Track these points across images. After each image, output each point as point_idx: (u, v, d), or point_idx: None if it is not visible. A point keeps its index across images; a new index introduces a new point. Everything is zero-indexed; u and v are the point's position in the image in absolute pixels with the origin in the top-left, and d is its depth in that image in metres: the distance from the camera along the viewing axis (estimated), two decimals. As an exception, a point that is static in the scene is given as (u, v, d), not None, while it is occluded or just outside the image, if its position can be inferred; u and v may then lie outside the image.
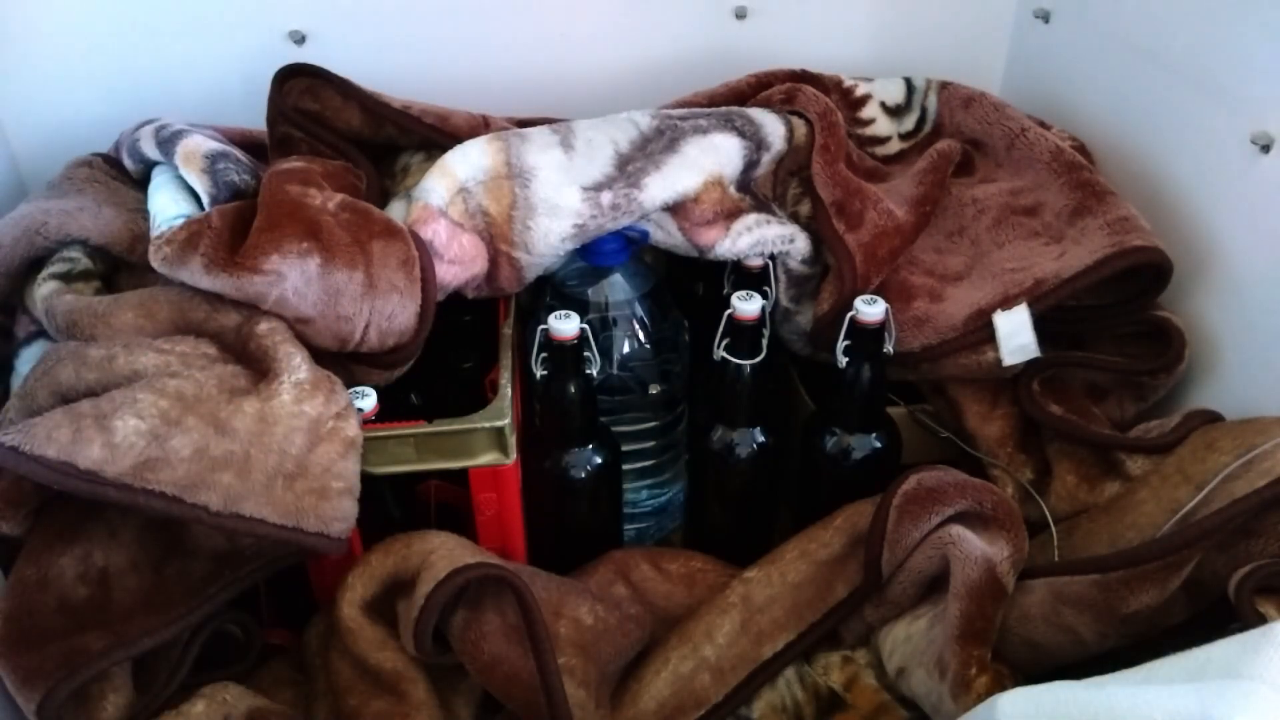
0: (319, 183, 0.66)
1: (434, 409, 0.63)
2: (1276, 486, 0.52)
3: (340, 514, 0.57)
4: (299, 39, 0.85)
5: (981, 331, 0.69)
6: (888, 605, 0.62)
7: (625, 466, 0.73)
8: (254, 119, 0.77)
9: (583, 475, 0.68)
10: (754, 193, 0.74)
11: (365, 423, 0.60)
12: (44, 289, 0.65)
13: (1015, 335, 0.68)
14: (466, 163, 0.68)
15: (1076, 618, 0.55)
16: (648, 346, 0.74)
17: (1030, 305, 0.68)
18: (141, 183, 0.74)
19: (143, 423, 0.52)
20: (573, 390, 0.65)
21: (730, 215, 0.71)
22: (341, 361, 0.64)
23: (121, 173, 0.76)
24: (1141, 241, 0.68)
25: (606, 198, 0.68)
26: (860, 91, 0.86)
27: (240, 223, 0.62)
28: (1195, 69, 0.70)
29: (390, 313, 0.63)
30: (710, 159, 0.70)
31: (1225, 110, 0.67)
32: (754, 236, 0.71)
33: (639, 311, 0.73)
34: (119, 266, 0.70)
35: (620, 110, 0.73)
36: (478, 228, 0.69)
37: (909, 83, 0.87)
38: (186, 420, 0.53)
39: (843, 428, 0.69)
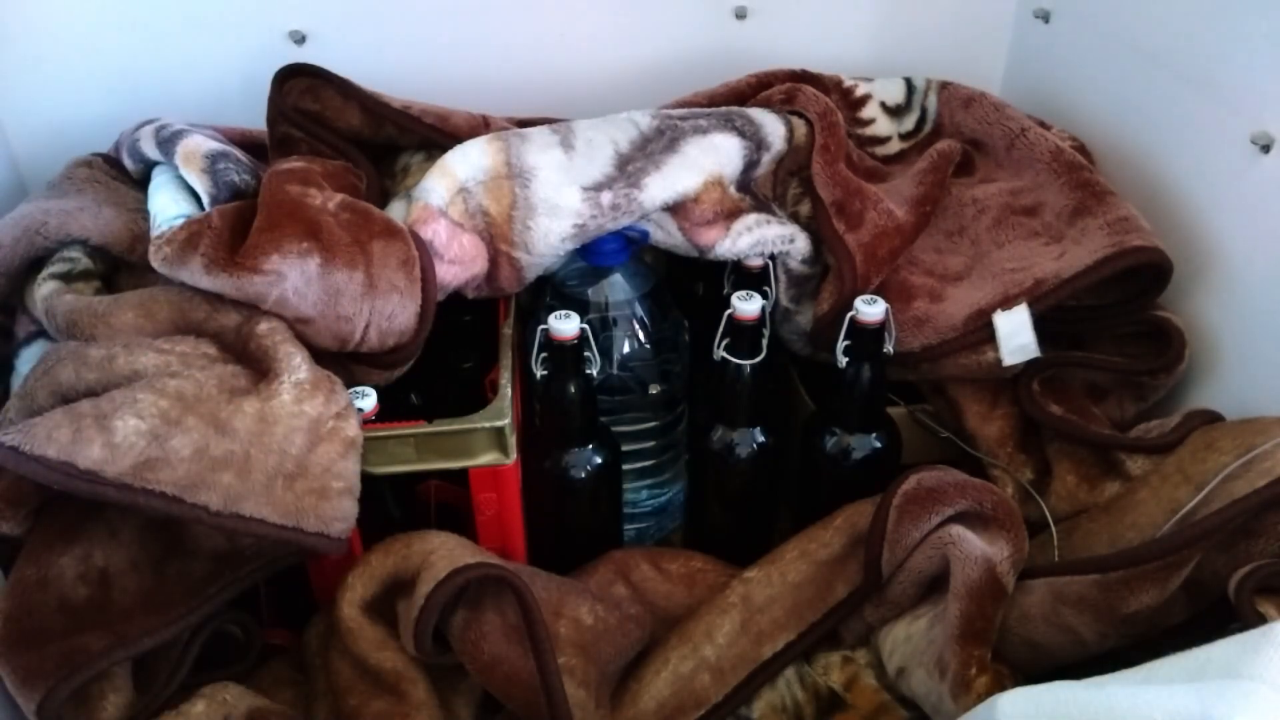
0: (319, 183, 0.66)
1: (434, 409, 0.63)
2: (1276, 486, 0.52)
3: (340, 514, 0.57)
4: (299, 39, 0.85)
5: (981, 331, 0.69)
6: (888, 605, 0.62)
7: (625, 466, 0.73)
8: (254, 119, 0.77)
9: (583, 475, 0.68)
10: (754, 193, 0.74)
11: (365, 423, 0.60)
12: (44, 289, 0.65)
13: (1015, 335, 0.68)
14: (466, 163, 0.68)
15: (1076, 618, 0.55)
16: (648, 346, 0.74)
17: (1030, 305, 0.68)
18: (141, 183, 0.74)
19: (143, 423, 0.52)
20: (573, 390, 0.65)
21: (730, 215, 0.71)
22: (341, 361, 0.64)
23: (121, 173, 0.76)
24: (1141, 241, 0.68)
25: (606, 198, 0.68)
26: (860, 91, 0.86)
27: (240, 223, 0.62)
28: (1195, 69, 0.70)
29: (390, 313, 0.63)
30: (710, 159, 0.70)
31: (1225, 110, 0.67)
32: (754, 236, 0.71)
33: (639, 311, 0.73)
34: (119, 266, 0.70)
35: (620, 110, 0.73)
36: (478, 228, 0.69)
37: (909, 83, 0.87)
38: (186, 420, 0.53)
39: (843, 428, 0.69)
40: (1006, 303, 0.68)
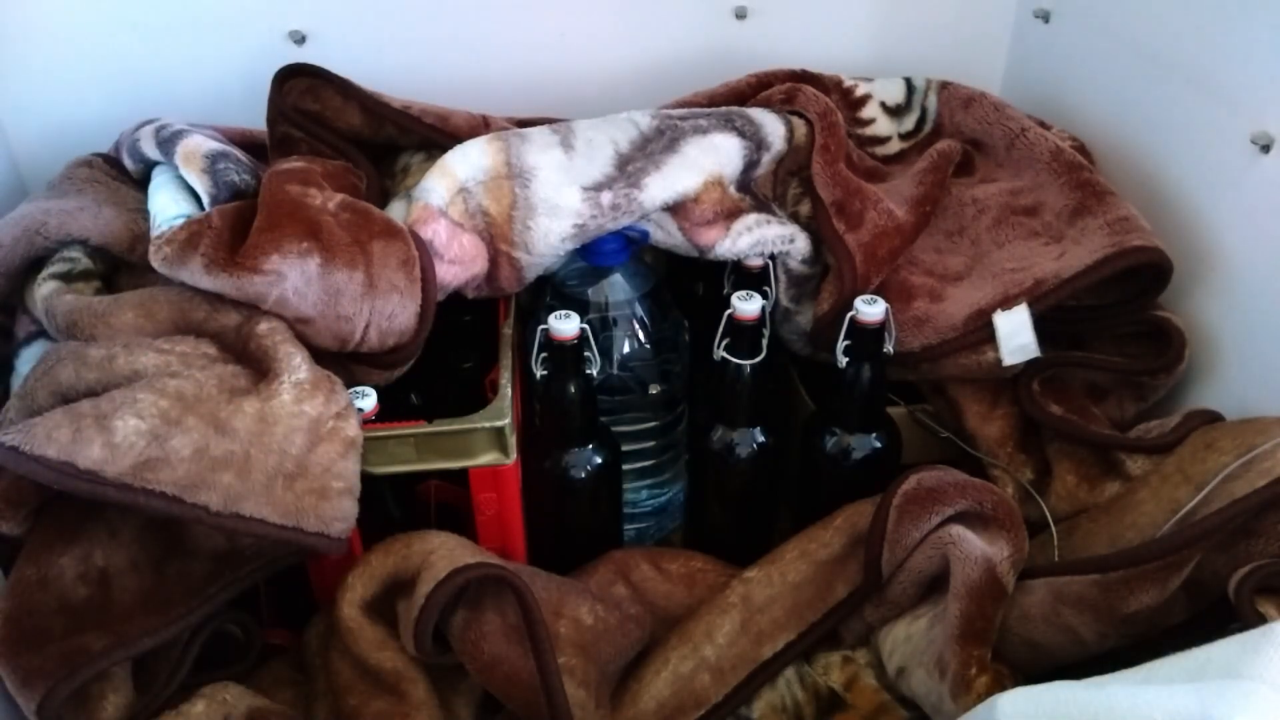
0: (319, 183, 0.66)
1: (434, 409, 0.63)
2: (1276, 486, 0.52)
3: (340, 514, 0.57)
4: (299, 39, 0.85)
5: (981, 331, 0.69)
6: (888, 605, 0.62)
7: (625, 466, 0.73)
8: (254, 119, 0.77)
9: (583, 475, 0.68)
10: (754, 193, 0.74)
11: (365, 423, 0.60)
12: (44, 289, 0.65)
13: (1015, 335, 0.68)
14: (466, 163, 0.68)
15: (1076, 618, 0.55)
16: (648, 346, 0.74)
17: (1030, 305, 0.68)
18: (141, 183, 0.74)
19: (143, 423, 0.52)
20: (573, 390, 0.65)
21: (730, 215, 0.71)
22: (341, 361, 0.64)
23: (121, 173, 0.76)
24: (1141, 241, 0.68)
25: (606, 198, 0.68)
26: (860, 91, 0.86)
27: (240, 223, 0.62)
28: (1195, 69, 0.70)
29: (390, 313, 0.63)
30: (710, 159, 0.70)
31: (1225, 110, 0.67)
32: (754, 236, 0.71)
33: (639, 311, 0.73)
34: (119, 266, 0.70)
35: (620, 110, 0.73)
36: (478, 228, 0.69)
37: (909, 83, 0.87)
38: (186, 420, 0.53)
39: (843, 428, 0.69)
40: (1006, 303, 0.68)
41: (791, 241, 0.72)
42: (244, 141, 0.77)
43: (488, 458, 0.63)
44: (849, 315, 0.66)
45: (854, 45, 0.93)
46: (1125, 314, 0.71)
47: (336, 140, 0.75)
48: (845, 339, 0.66)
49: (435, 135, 0.74)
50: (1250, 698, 0.37)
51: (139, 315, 0.61)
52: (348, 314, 0.62)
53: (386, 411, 0.62)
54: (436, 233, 0.66)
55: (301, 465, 0.56)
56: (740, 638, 0.63)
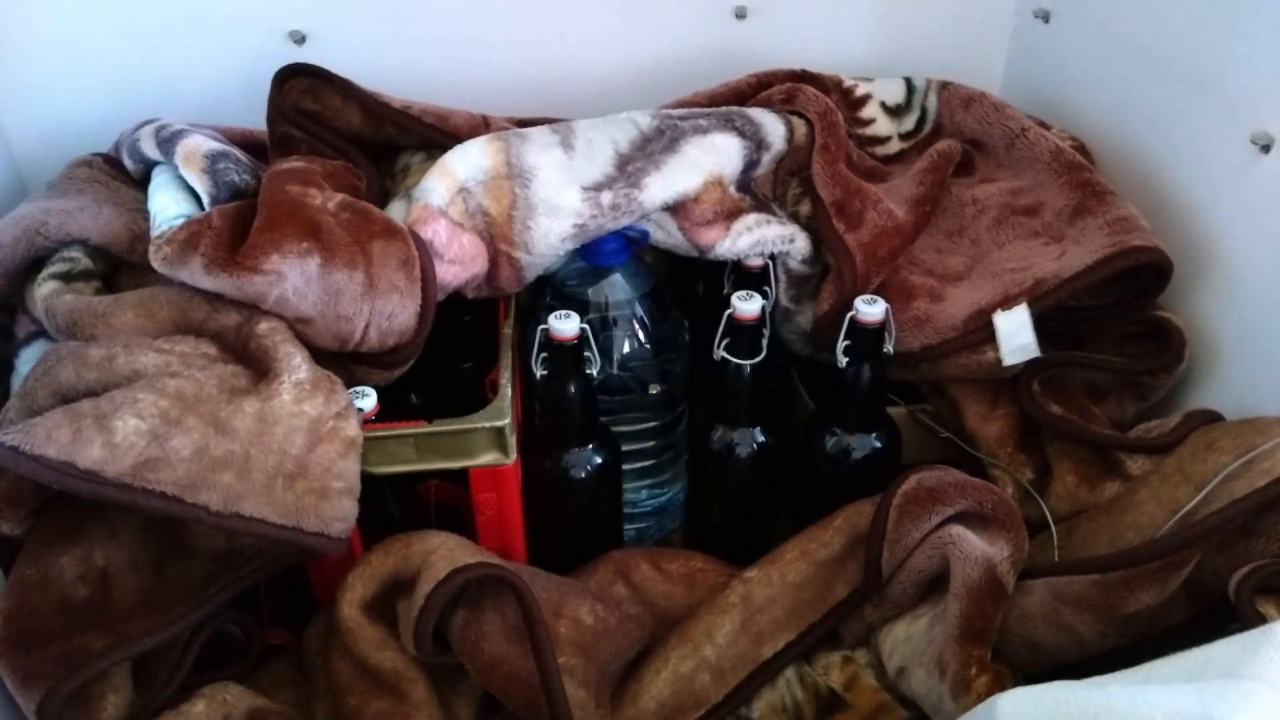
0: (319, 183, 0.66)
1: (434, 409, 0.63)
2: (1276, 486, 0.52)
3: (340, 514, 0.57)
4: (299, 39, 0.85)
5: (981, 331, 0.69)
6: (888, 605, 0.62)
7: (625, 466, 0.73)
8: (254, 119, 0.77)
9: (583, 475, 0.68)
10: (754, 193, 0.74)
11: (365, 423, 0.60)
12: (44, 289, 0.65)
13: (1015, 335, 0.68)
14: (466, 163, 0.68)
15: (1076, 618, 0.55)
16: (648, 346, 0.74)
17: (1030, 305, 0.68)
18: (141, 183, 0.74)
19: (143, 423, 0.52)
20: (573, 390, 0.65)
21: (730, 215, 0.71)
22: (341, 361, 0.64)
23: (121, 173, 0.76)
24: (1141, 241, 0.68)
25: (606, 198, 0.68)
26: (860, 91, 0.86)
27: (240, 223, 0.62)
28: (1195, 69, 0.70)
29: (390, 313, 0.63)
30: (710, 159, 0.70)
31: (1225, 110, 0.67)
32: (754, 236, 0.71)
33: (639, 311, 0.73)
34: (119, 266, 0.70)
35: (620, 110, 0.73)
36: (478, 228, 0.69)
37: (909, 83, 0.87)
38: (186, 420, 0.53)
39: (843, 428, 0.69)
40: (1006, 303, 0.68)
41: (791, 241, 0.72)
42: (244, 141, 0.77)
43: (488, 458, 0.63)
44: (849, 315, 0.66)
45: (854, 45, 0.93)
46: (1125, 314, 0.71)
47: (336, 140, 0.75)
48: (845, 339, 0.66)
49: (435, 135, 0.74)
50: (1250, 698, 0.37)
51: (139, 315, 0.61)
52: (348, 314, 0.62)
53: (386, 411, 0.62)
54: (436, 233, 0.66)
55: (301, 465, 0.56)
56: (740, 638, 0.63)
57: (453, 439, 0.62)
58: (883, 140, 0.86)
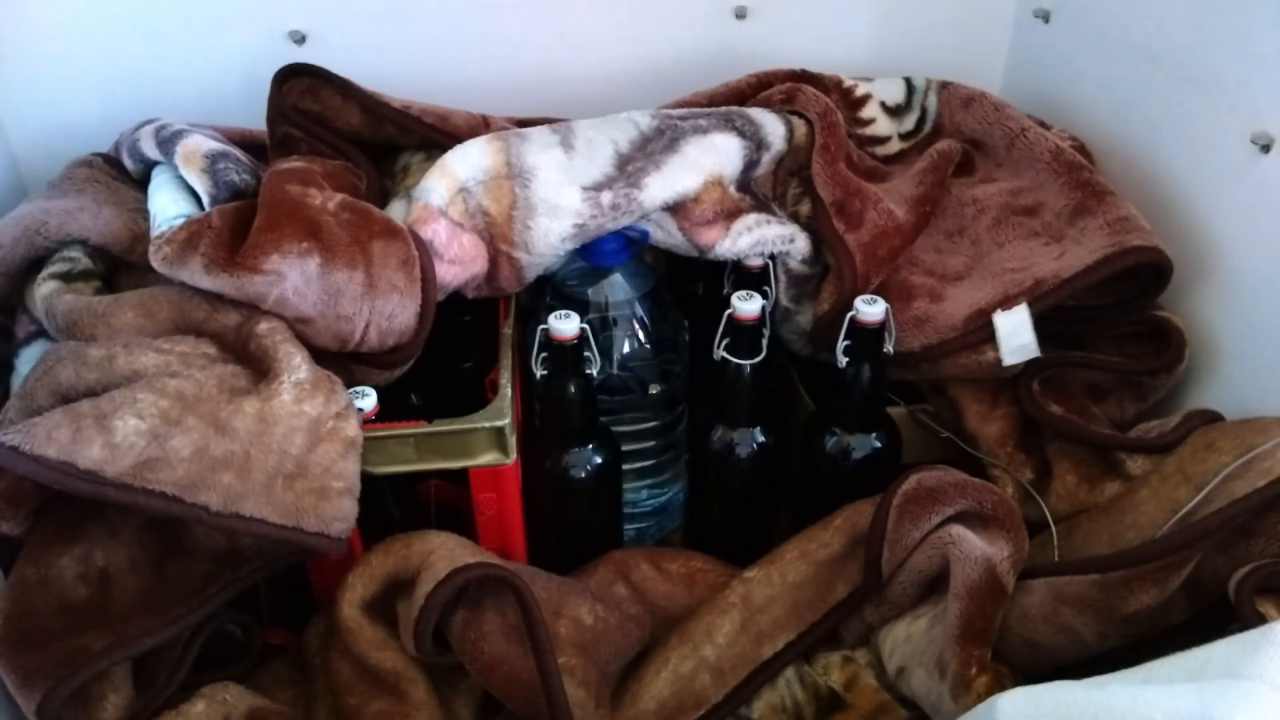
0: (319, 183, 0.66)
1: (434, 409, 0.63)
2: (1276, 486, 0.52)
3: (340, 514, 0.57)
4: (299, 39, 0.85)
5: (981, 331, 0.69)
6: (888, 605, 0.62)
7: (625, 466, 0.73)
8: (254, 119, 0.77)
9: (583, 475, 0.68)
10: (754, 193, 0.74)
11: (365, 423, 0.60)
12: (44, 289, 0.65)
13: (1015, 335, 0.68)
14: (466, 163, 0.68)
15: (1076, 618, 0.55)
16: (648, 346, 0.74)
17: (1030, 305, 0.68)
18: (141, 183, 0.74)
19: (143, 423, 0.52)
20: (573, 390, 0.65)
21: (730, 215, 0.71)
22: (341, 361, 0.64)
23: (121, 173, 0.76)
24: (1141, 241, 0.68)
25: (606, 198, 0.68)
26: (860, 91, 0.86)
27: (240, 223, 0.62)
28: (1195, 69, 0.70)
29: (390, 313, 0.63)
30: (710, 159, 0.70)
31: (1225, 110, 0.67)
32: (754, 236, 0.71)
33: (639, 311, 0.73)
34: (119, 266, 0.70)
35: (620, 110, 0.73)
36: (478, 228, 0.69)
37: (909, 83, 0.87)
38: (186, 420, 0.53)
39: (843, 428, 0.69)
40: (1006, 302, 0.68)
41: (791, 241, 0.72)
42: (244, 141, 0.77)
43: (488, 458, 0.63)
44: (849, 315, 0.66)
45: (854, 45, 0.93)
46: (1125, 314, 0.71)
47: (336, 140, 0.75)
48: (845, 339, 0.66)
49: (435, 135, 0.74)
50: (1250, 698, 0.37)
51: (139, 315, 0.61)
52: (348, 314, 0.62)
53: (386, 411, 0.62)
54: (436, 233, 0.66)
55: (301, 465, 0.56)
56: (740, 638, 0.63)
57: (453, 439, 0.62)
58: (883, 140, 0.86)
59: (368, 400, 0.61)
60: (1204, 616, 0.55)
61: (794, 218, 0.74)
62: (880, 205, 0.73)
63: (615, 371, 0.73)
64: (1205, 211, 0.70)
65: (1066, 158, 0.76)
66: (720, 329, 0.66)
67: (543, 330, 0.63)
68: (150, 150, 0.72)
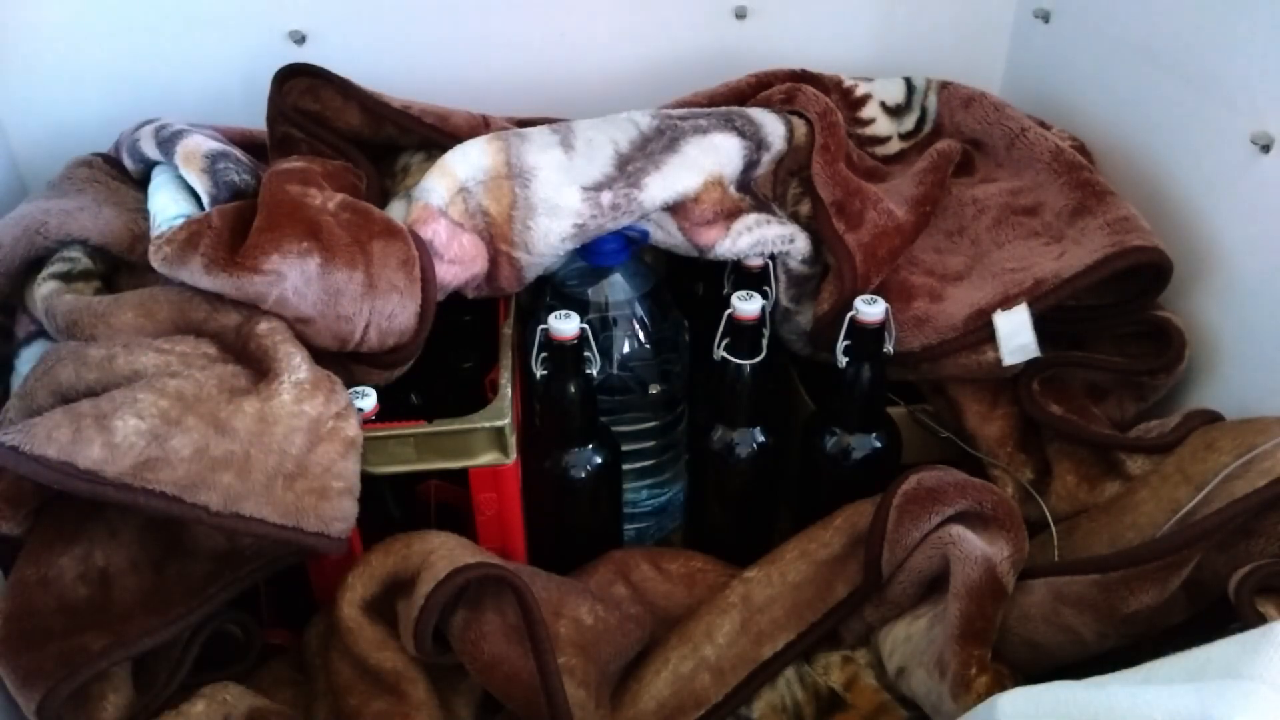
0: (319, 183, 0.66)
1: (434, 409, 0.63)
2: (1276, 486, 0.52)
3: (340, 514, 0.57)
4: (299, 39, 0.85)
5: (981, 331, 0.69)
6: (888, 605, 0.62)
7: (625, 466, 0.73)
8: (254, 119, 0.77)
9: (583, 475, 0.68)
10: (754, 193, 0.74)
11: (365, 423, 0.60)
12: (44, 289, 0.65)
13: (1015, 335, 0.68)
14: (466, 163, 0.68)
15: (1076, 618, 0.55)
16: (648, 346, 0.74)
17: (1030, 305, 0.68)
18: (142, 183, 0.74)
19: (143, 423, 0.52)
20: (573, 390, 0.65)
21: (730, 215, 0.71)
22: (341, 361, 0.64)
23: (122, 173, 0.76)
24: (1141, 241, 0.68)
25: (606, 198, 0.68)
26: (860, 91, 0.86)
27: (240, 223, 0.62)
28: (1195, 69, 0.70)
29: (390, 313, 0.63)
30: (710, 159, 0.70)
31: (1225, 110, 0.67)
32: (754, 236, 0.71)
33: (639, 311, 0.73)
34: (119, 266, 0.70)
35: (620, 110, 0.73)
36: (478, 228, 0.69)
37: (909, 83, 0.87)
38: (186, 420, 0.53)
39: (843, 428, 0.69)
40: (1006, 302, 0.68)
41: (791, 241, 0.72)
42: (244, 141, 0.77)
43: (488, 458, 0.63)
44: (849, 315, 0.66)
45: (854, 45, 0.93)
46: (1125, 314, 0.71)
47: (336, 140, 0.75)
48: (845, 339, 0.66)
49: (435, 135, 0.74)
50: (1250, 698, 0.37)
51: (139, 315, 0.61)
52: (348, 314, 0.62)
53: (386, 411, 0.62)
54: (436, 233, 0.66)
55: (301, 465, 0.56)
56: (740, 638, 0.63)
57: (453, 439, 0.62)
58: (883, 140, 0.86)
59: (368, 400, 0.61)
60: (1204, 616, 0.55)
61: (794, 218, 0.74)
62: (880, 205, 0.73)
63: (615, 371, 0.73)
64: (1205, 211, 0.70)
65: (1066, 158, 0.76)
66: (720, 329, 0.66)
67: (543, 330, 0.63)
68: (150, 150, 0.72)
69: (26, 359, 0.67)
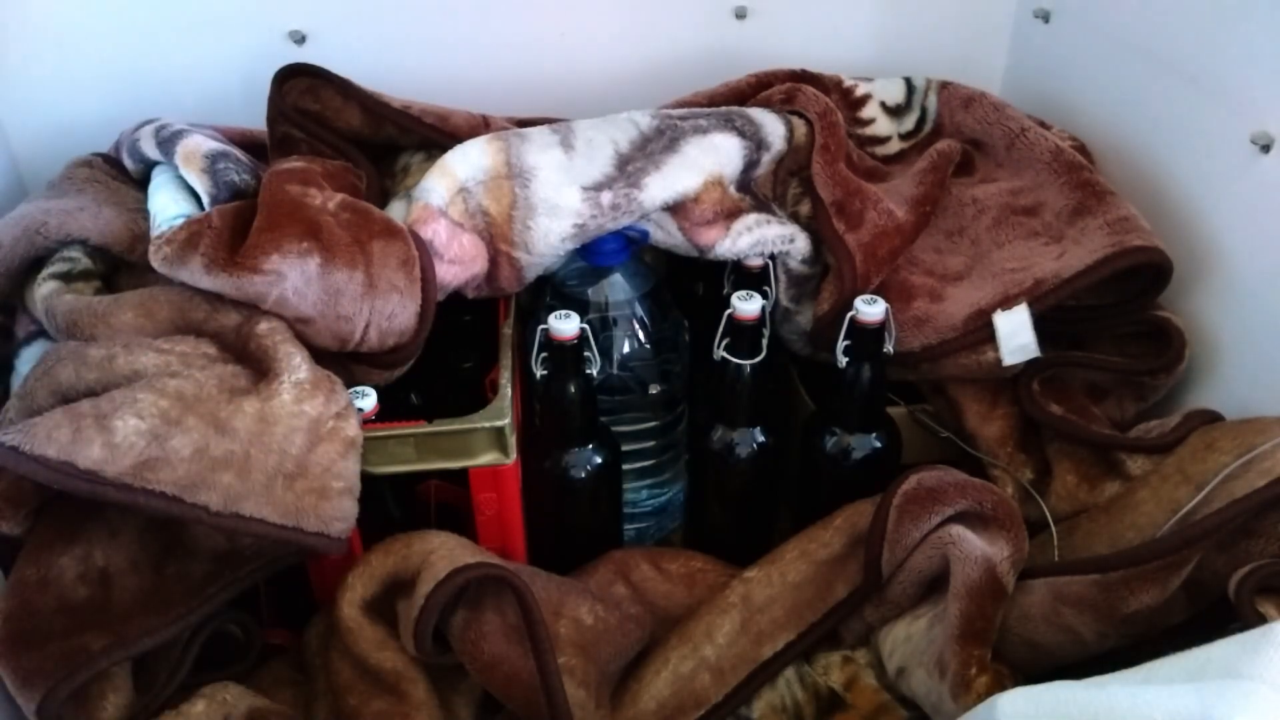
0: (319, 183, 0.66)
1: (434, 409, 0.63)
2: (1276, 486, 0.52)
3: (340, 514, 0.57)
4: (299, 39, 0.85)
5: (981, 331, 0.69)
6: (888, 605, 0.62)
7: (625, 466, 0.73)
8: (254, 119, 0.77)
9: (583, 475, 0.68)
10: (754, 193, 0.74)
11: (365, 423, 0.60)
12: (44, 289, 0.65)
13: (1015, 335, 0.68)
14: (466, 163, 0.68)
15: (1076, 618, 0.55)
16: (648, 346, 0.74)
17: (1030, 305, 0.68)
18: (141, 183, 0.74)
19: (143, 422, 0.52)
20: (573, 390, 0.65)
21: (730, 215, 0.71)
22: (341, 361, 0.64)
23: (122, 173, 0.76)
24: (1141, 241, 0.68)
25: (606, 198, 0.68)
26: (860, 91, 0.86)
27: (240, 223, 0.62)
28: (1195, 69, 0.70)
29: (390, 313, 0.63)
30: (710, 159, 0.70)
31: (1225, 110, 0.67)
32: (754, 236, 0.71)
33: (639, 311, 0.73)
34: (119, 266, 0.70)
35: (620, 110, 0.73)
36: (478, 227, 0.69)
37: (909, 83, 0.87)
38: (186, 420, 0.53)
39: (843, 428, 0.69)
40: (1006, 302, 0.68)
41: (791, 241, 0.72)
42: (244, 141, 0.77)
43: (488, 458, 0.63)
44: (849, 315, 0.66)
45: (854, 45, 0.93)
46: (1125, 314, 0.71)
47: (336, 140, 0.75)
48: (845, 339, 0.66)
49: (435, 135, 0.74)
50: (1250, 698, 0.37)
51: (139, 315, 0.61)
52: (348, 314, 0.62)
53: (386, 411, 0.62)
54: (436, 233, 0.66)
55: (301, 465, 0.56)
56: (740, 638, 0.63)
57: (453, 439, 0.62)
58: (883, 140, 0.86)
59: (368, 400, 0.61)
60: (1204, 616, 0.55)
61: (794, 218, 0.74)
62: (880, 205, 0.73)
63: (615, 371, 0.73)
64: (1205, 211, 0.70)
65: (1066, 158, 0.76)
66: (720, 329, 0.66)
67: (543, 330, 0.63)
68: (150, 150, 0.72)
69: (26, 359, 0.67)
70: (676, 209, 0.70)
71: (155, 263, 0.60)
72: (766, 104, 0.78)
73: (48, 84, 0.84)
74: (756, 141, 0.72)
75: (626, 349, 0.73)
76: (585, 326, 0.63)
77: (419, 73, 0.85)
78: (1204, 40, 0.69)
